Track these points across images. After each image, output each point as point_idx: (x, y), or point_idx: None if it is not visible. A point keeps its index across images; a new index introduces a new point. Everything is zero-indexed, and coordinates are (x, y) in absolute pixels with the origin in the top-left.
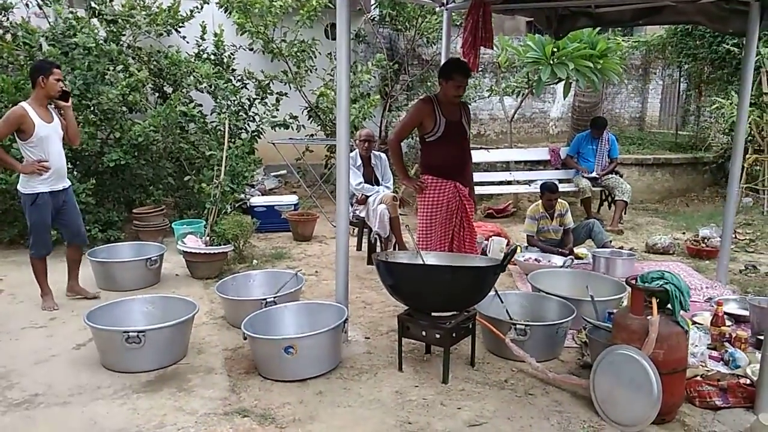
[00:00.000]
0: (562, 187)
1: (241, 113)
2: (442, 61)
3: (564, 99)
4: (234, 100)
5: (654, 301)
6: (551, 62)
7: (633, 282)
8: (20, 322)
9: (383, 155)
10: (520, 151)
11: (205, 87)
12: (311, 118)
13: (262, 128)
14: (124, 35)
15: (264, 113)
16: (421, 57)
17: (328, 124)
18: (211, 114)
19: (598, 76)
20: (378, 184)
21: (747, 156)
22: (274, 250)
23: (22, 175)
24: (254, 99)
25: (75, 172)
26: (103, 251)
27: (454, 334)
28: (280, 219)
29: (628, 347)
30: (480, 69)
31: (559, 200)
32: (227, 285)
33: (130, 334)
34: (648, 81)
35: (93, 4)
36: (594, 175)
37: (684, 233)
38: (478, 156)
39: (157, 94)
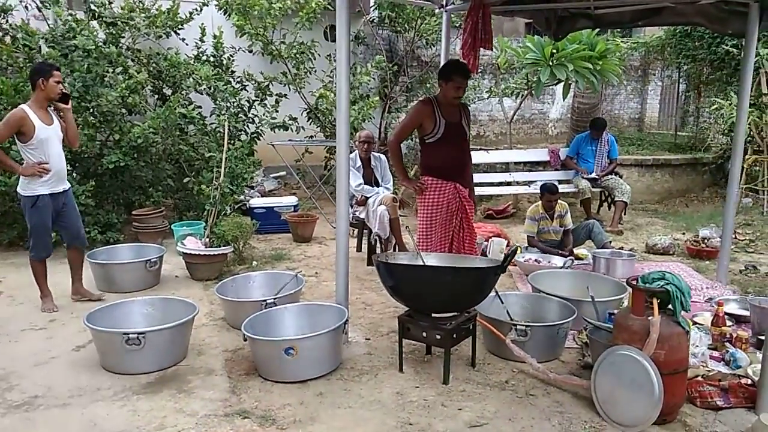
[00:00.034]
0: (562, 188)
1: (240, 115)
2: (442, 63)
3: (563, 100)
4: (233, 102)
5: (655, 301)
6: (550, 63)
7: (634, 283)
8: (20, 324)
9: (383, 156)
10: (519, 152)
11: (204, 89)
12: (310, 120)
13: (261, 130)
14: (123, 37)
15: (263, 115)
16: (421, 58)
17: (327, 125)
18: (210, 116)
19: (598, 78)
20: (378, 185)
21: (746, 156)
22: (273, 251)
23: (23, 177)
24: (253, 101)
25: (74, 174)
26: (103, 253)
27: (454, 335)
28: (280, 220)
29: (630, 348)
30: (479, 70)
31: (558, 201)
32: (227, 286)
33: (130, 335)
34: (647, 82)
35: (92, 7)
36: (593, 175)
37: (684, 234)
38: (477, 157)
39: (156, 96)
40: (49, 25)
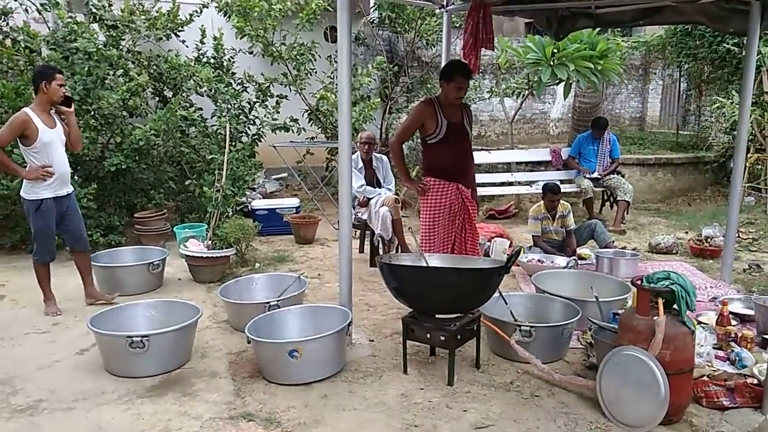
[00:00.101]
0: (564, 188)
1: (241, 117)
2: (443, 63)
3: (564, 100)
4: (234, 104)
5: (660, 301)
6: (551, 63)
7: (639, 282)
8: (23, 328)
9: (384, 157)
10: (521, 152)
11: (205, 91)
12: (311, 121)
13: (262, 131)
14: (124, 40)
15: (264, 116)
16: (421, 59)
17: (328, 126)
18: (211, 117)
19: (599, 77)
20: (380, 186)
21: (749, 155)
22: (276, 253)
23: (26, 181)
24: (254, 102)
25: (76, 177)
26: (105, 256)
27: (458, 336)
28: (282, 222)
29: (635, 348)
30: (480, 70)
31: (561, 201)
32: (230, 289)
33: (134, 339)
34: (648, 81)
35: (93, 9)
36: (596, 175)
37: (687, 233)
38: (479, 157)
39: (157, 99)
40: (49, 27)
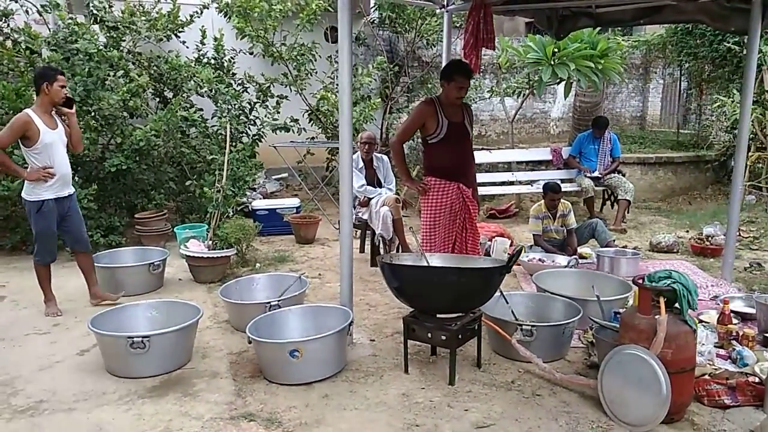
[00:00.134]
0: (565, 187)
1: (241, 117)
2: (443, 63)
3: (565, 99)
4: (235, 104)
5: (662, 300)
6: (552, 63)
7: (640, 281)
8: (24, 329)
9: (385, 157)
10: (521, 152)
11: (205, 91)
12: (312, 121)
13: (263, 132)
14: (124, 41)
15: (265, 117)
16: (421, 59)
17: (329, 126)
18: (211, 118)
19: (599, 76)
20: (380, 186)
21: (749, 154)
22: (276, 253)
23: (27, 182)
24: (255, 103)
25: (77, 178)
26: (106, 256)
27: (460, 336)
28: (283, 222)
29: (636, 347)
30: (480, 70)
31: (562, 201)
32: (231, 289)
33: (135, 339)
34: (648, 80)
35: (94, 11)
36: (596, 174)
37: (687, 231)
38: (479, 157)
39: (157, 99)
40: (49, 29)
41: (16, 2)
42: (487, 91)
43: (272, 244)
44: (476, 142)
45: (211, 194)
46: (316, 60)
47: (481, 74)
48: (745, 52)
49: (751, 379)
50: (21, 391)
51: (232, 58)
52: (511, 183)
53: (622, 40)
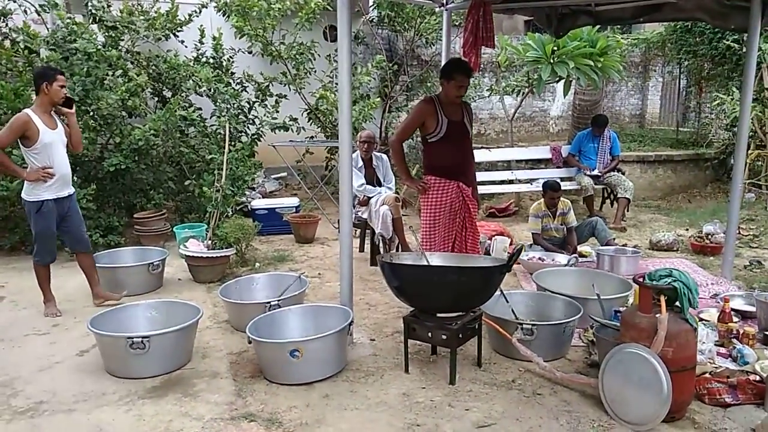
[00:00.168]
0: (564, 186)
1: (240, 116)
2: (443, 62)
3: (564, 97)
4: (234, 104)
5: (662, 298)
6: (551, 61)
7: (641, 280)
8: (23, 329)
9: (384, 156)
10: (521, 150)
11: (204, 91)
12: (311, 120)
13: (262, 131)
14: (123, 40)
15: (264, 116)
16: (420, 57)
17: (328, 125)
18: (210, 117)
19: (599, 74)
20: (380, 185)
21: (749, 152)
22: (276, 252)
23: (27, 182)
24: (254, 102)
25: (75, 178)
26: (105, 257)
27: (460, 335)
28: (282, 221)
29: (637, 345)
30: (480, 68)
31: (561, 199)
32: (230, 289)
33: (135, 339)
34: (648, 78)
35: (93, 10)
36: (596, 172)
37: (687, 230)
38: (479, 155)
39: (156, 99)
40: (48, 28)
41: (15, 2)
42: (487, 90)
43: (271, 243)
44: (476, 141)
45: (210, 194)
46: (315, 59)
47: (481, 73)
48: (744, 49)
49: (751, 377)
50: (21, 392)
51: (230, 57)
52: (511, 182)
53: (622, 38)
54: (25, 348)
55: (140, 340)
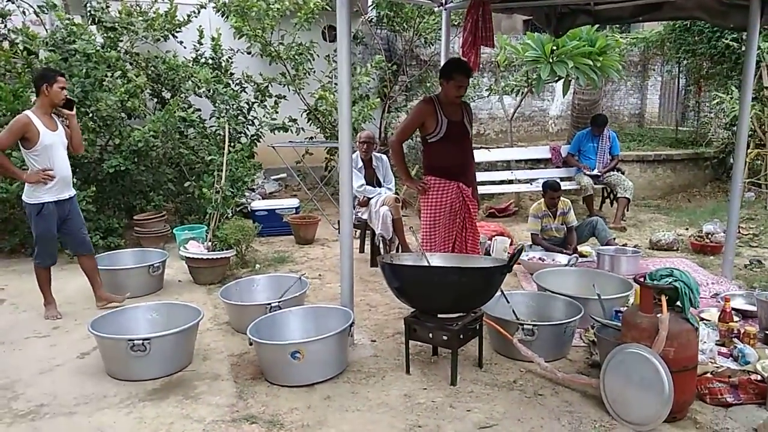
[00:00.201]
0: (564, 185)
1: (240, 117)
2: (442, 62)
3: (563, 97)
4: (233, 104)
5: (663, 298)
6: (550, 60)
7: (642, 280)
8: (23, 332)
9: (384, 157)
10: (520, 150)
11: (203, 92)
12: (310, 121)
13: (261, 132)
14: (122, 41)
15: (263, 117)
16: (420, 57)
17: (327, 126)
18: (210, 118)
19: (598, 74)
20: (380, 186)
21: (748, 150)
22: (276, 254)
23: (27, 185)
24: (253, 103)
25: (75, 180)
26: (105, 258)
27: (461, 336)
28: (282, 223)
29: (638, 346)
30: (479, 68)
31: (561, 198)
32: (231, 290)
33: (135, 342)
34: (647, 77)
35: (92, 12)
36: (595, 172)
37: (687, 229)
38: (478, 155)
39: (155, 100)
40: (46, 30)
41: (13, 3)
42: (486, 90)
43: (272, 244)
44: (475, 141)
45: (210, 195)
46: (314, 59)
47: (480, 72)
48: (743, 48)
49: (753, 377)
50: (21, 395)
51: (229, 57)
52: (510, 182)
53: (620, 37)
54: (25, 351)
55: (141, 342)
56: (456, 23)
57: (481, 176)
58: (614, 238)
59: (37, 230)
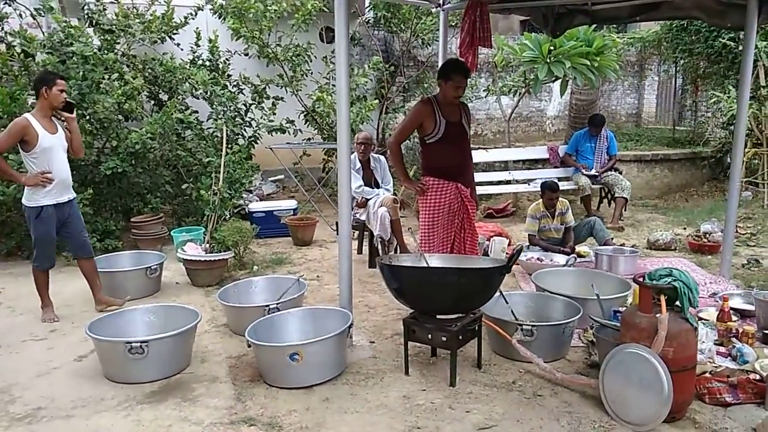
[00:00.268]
0: (562, 186)
1: (237, 119)
2: (440, 62)
3: (561, 97)
4: (230, 106)
5: (663, 298)
6: (548, 60)
7: (641, 280)
8: (20, 335)
9: (382, 158)
10: (518, 151)
11: (200, 93)
12: (308, 123)
13: (259, 133)
14: (119, 43)
15: (260, 118)
16: (417, 58)
17: (325, 128)
18: (207, 120)
19: (595, 74)
20: (378, 187)
21: (746, 150)
22: (274, 255)
23: (27, 188)
24: (250, 104)
25: (72, 182)
26: (102, 261)
27: (460, 337)
28: (280, 224)
29: (638, 346)
30: (476, 69)
31: (559, 199)
32: (229, 292)
33: (133, 344)
34: (644, 77)
35: (89, 14)
36: (593, 172)
37: (685, 229)
38: (476, 156)
39: (152, 102)
40: (43, 32)
41: (10, 5)
42: (483, 90)
43: (269, 246)
44: (473, 142)
45: (207, 197)
46: (311, 61)
47: (477, 73)
48: (740, 48)
49: (751, 376)
50: (18, 398)
51: (227, 59)
52: (508, 182)
53: (617, 37)
54: (22, 354)
55: (139, 344)
56: (453, 24)
57: (478, 177)
58: (612, 238)
59: (36, 233)
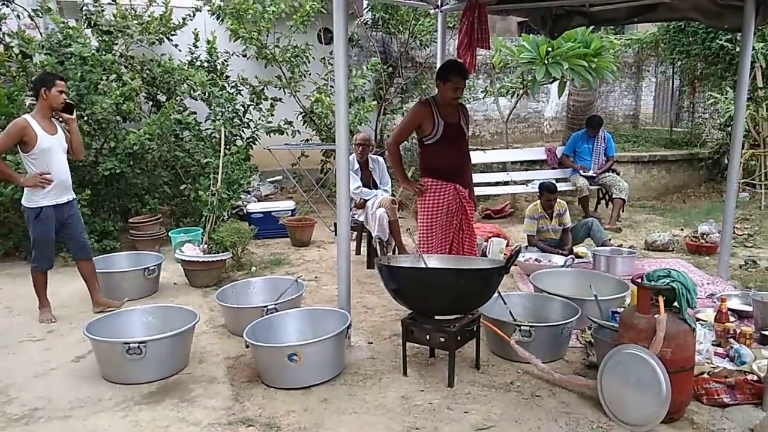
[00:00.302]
0: (559, 187)
1: (235, 120)
2: (438, 63)
3: (558, 98)
4: (228, 107)
5: (661, 299)
6: (546, 62)
7: (639, 281)
8: (17, 336)
9: (380, 159)
10: (516, 152)
11: (199, 94)
12: (306, 124)
13: (257, 134)
14: (117, 44)
15: (259, 119)
16: (415, 60)
17: (323, 129)
18: (205, 121)
19: (593, 75)
20: (376, 188)
21: (743, 151)
22: (272, 256)
23: (26, 188)
24: (249, 105)
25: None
26: (100, 262)
27: (458, 338)
28: (278, 225)
29: (636, 346)
30: (474, 70)
31: (557, 200)
32: (227, 293)
33: (131, 345)
34: (641, 78)
35: (87, 15)
36: (591, 173)
37: (682, 230)
38: (474, 157)
39: (150, 103)
40: (41, 33)
41: (8, 6)
42: (481, 91)
43: (268, 247)
44: (471, 143)
45: (205, 198)
46: (309, 62)
47: (475, 74)
48: (737, 49)
49: (749, 377)
50: (15, 399)
51: (225, 60)
52: (506, 183)
53: (615, 38)
54: (19, 354)
55: (137, 345)
56: (452, 25)
57: (476, 178)
58: (610, 239)
59: (35, 234)
